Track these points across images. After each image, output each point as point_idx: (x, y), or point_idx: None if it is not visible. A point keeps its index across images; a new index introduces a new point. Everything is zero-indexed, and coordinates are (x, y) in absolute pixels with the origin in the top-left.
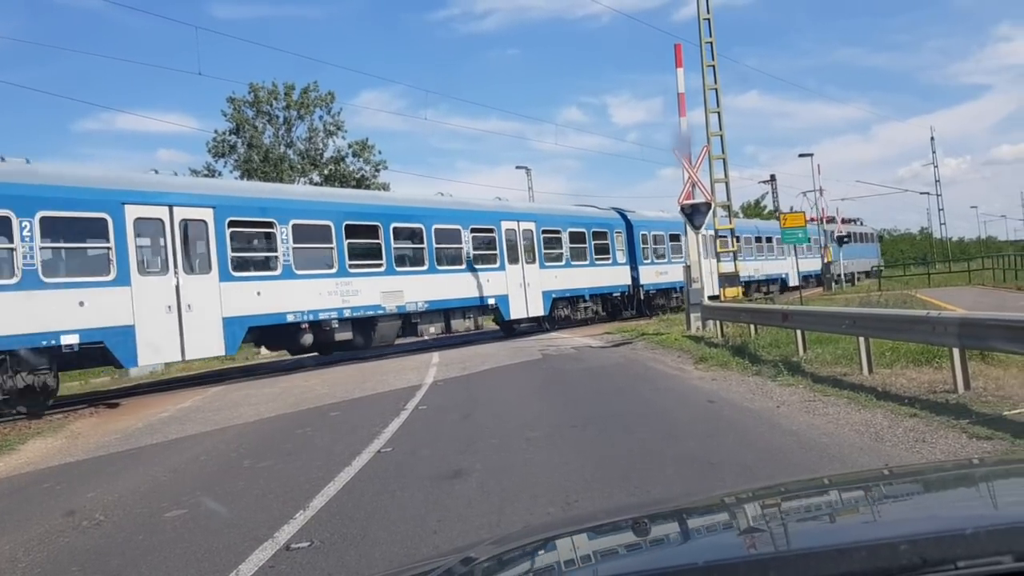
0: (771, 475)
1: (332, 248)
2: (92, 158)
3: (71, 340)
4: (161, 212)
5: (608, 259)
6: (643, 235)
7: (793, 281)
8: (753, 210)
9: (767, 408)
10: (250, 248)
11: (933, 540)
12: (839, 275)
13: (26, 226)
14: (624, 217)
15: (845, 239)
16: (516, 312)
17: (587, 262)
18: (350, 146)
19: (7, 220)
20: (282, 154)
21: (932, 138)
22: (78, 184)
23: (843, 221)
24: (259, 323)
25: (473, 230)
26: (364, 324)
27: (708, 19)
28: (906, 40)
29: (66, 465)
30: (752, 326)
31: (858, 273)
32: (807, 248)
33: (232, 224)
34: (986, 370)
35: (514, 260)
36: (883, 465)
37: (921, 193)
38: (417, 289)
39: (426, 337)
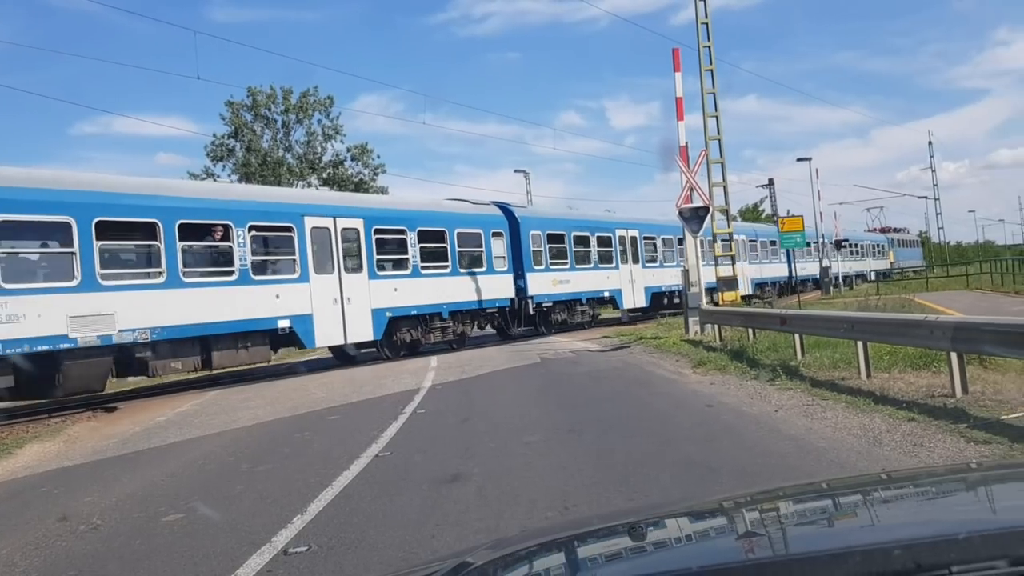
0: (769, 479)
1: (446, 247)
2: (90, 162)
3: (284, 324)
4: (328, 223)
5: (481, 266)
6: (534, 235)
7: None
8: (752, 214)
9: (765, 412)
10: (389, 251)
11: (928, 545)
12: (837, 278)
13: (240, 235)
14: (509, 213)
15: (844, 243)
16: (324, 338)
17: (447, 270)
18: (349, 150)
19: (229, 228)
20: (280, 158)
21: (930, 142)
22: (271, 200)
23: (894, 230)
24: (396, 314)
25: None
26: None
27: (706, 23)
28: (904, 44)
29: (63, 469)
30: (750, 330)
31: (856, 277)
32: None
33: (377, 232)
34: (984, 374)
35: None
36: (881, 469)
37: (919, 197)
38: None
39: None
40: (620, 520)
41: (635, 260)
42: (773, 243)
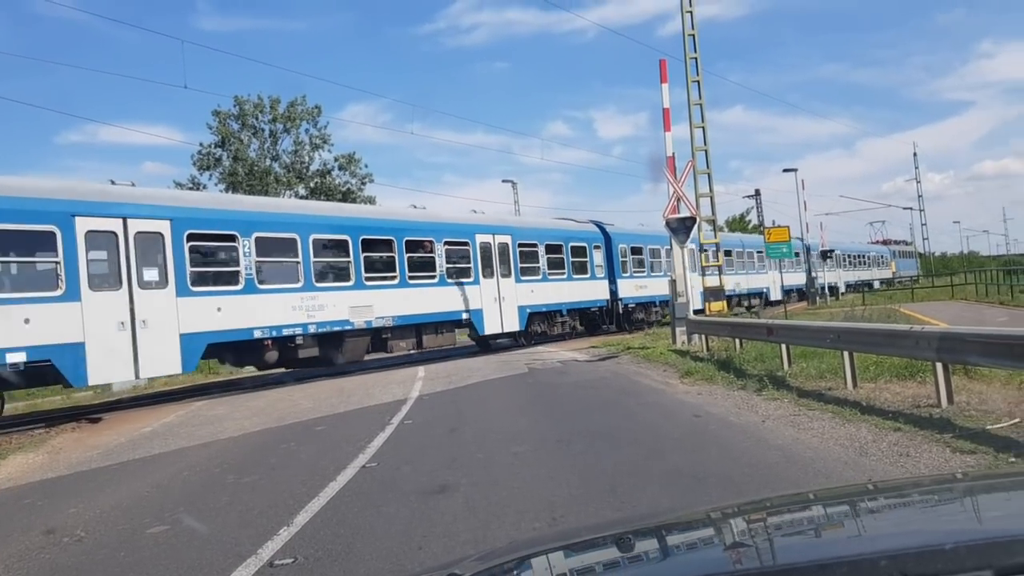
0: (756, 490)
1: (563, 258)
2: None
3: (465, 316)
4: (488, 238)
5: (586, 273)
6: (622, 248)
7: (775, 295)
8: (738, 224)
9: (752, 422)
10: (527, 260)
11: (914, 555)
12: (823, 288)
13: (439, 248)
14: (603, 230)
15: (828, 253)
16: (491, 327)
17: (564, 276)
18: (336, 159)
19: (433, 243)
20: (268, 167)
21: (915, 154)
22: (457, 221)
23: (895, 242)
24: (533, 311)
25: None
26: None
27: (693, 35)
28: (889, 56)
29: (47, 481)
30: (737, 340)
31: (862, 285)
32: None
33: (520, 245)
34: (969, 384)
35: (488, 274)
36: (867, 479)
37: (904, 208)
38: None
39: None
40: (608, 531)
41: (692, 269)
42: (760, 253)
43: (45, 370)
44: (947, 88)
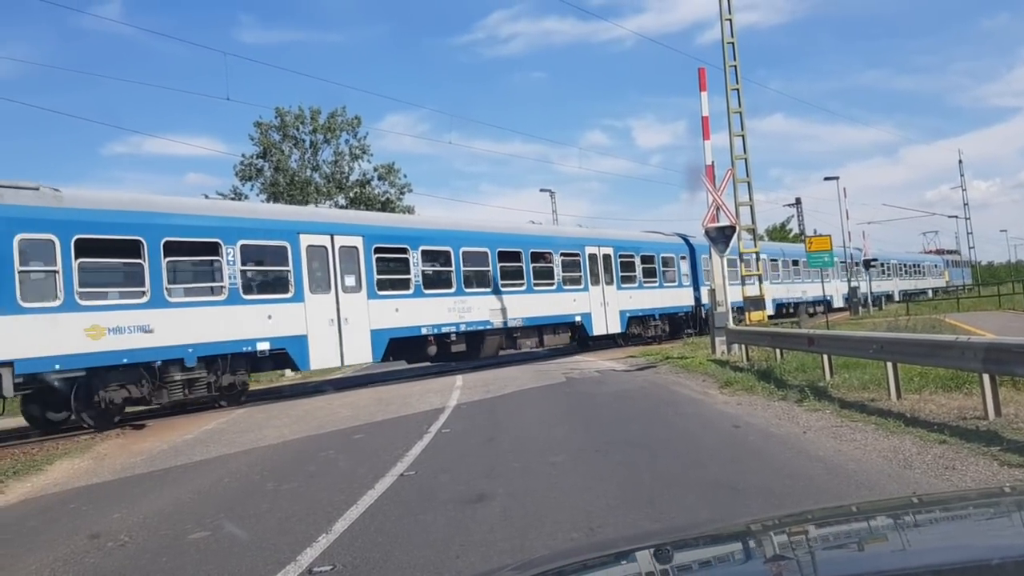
0: (797, 502)
1: (655, 267)
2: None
3: (577, 319)
4: (594, 249)
5: (674, 281)
6: (704, 258)
7: (838, 303)
8: (779, 233)
9: (793, 433)
10: (626, 268)
11: (960, 570)
12: (866, 298)
13: (556, 258)
14: (687, 242)
15: (873, 263)
16: (598, 329)
17: (656, 283)
18: (375, 169)
19: (448, 253)
20: (308, 177)
21: (960, 161)
22: (569, 235)
23: (948, 252)
24: (632, 315)
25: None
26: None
27: (732, 43)
28: (931, 62)
29: (92, 486)
30: (778, 350)
31: (918, 293)
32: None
33: (621, 256)
34: (1017, 397)
35: (595, 282)
36: (911, 493)
37: (950, 216)
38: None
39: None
40: (646, 542)
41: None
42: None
43: (281, 356)
44: (992, 94)
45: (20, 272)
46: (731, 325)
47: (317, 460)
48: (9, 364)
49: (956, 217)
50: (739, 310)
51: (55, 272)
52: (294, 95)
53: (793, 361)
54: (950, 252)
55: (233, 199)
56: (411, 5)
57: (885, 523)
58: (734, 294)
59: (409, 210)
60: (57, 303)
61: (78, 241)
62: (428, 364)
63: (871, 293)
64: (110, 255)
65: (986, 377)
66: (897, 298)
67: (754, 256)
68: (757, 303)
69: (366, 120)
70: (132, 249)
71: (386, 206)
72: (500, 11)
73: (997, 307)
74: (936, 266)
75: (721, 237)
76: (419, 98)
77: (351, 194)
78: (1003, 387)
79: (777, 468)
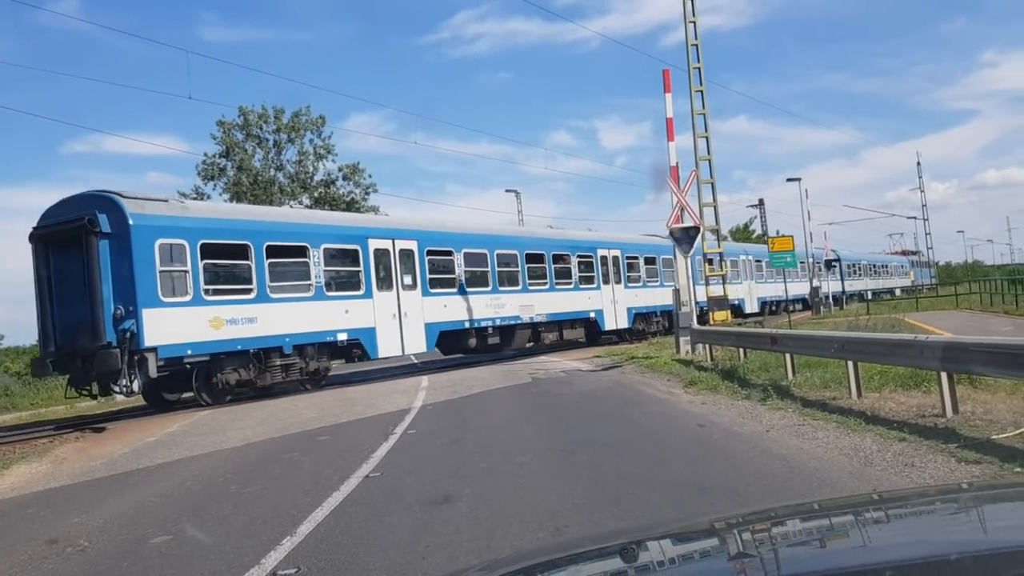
0: (760, 500)
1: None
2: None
3: (592, 315)
4: (617, 252)
5: (673, 281)
6: (699, 260)
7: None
8: (742, 234)
9: (757, 432)
10: (632, 269)
11: (920, 566)
12: (827, 298)
13: (459, 258)
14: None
15: (833, 263)
16: (609, 324)
17: (658, 283)
18: (340, 169)
19: (485, 255)
20: (272, 177)
21: (919, 163)
22: (506, 234)
23: (912, 253)
24: (638, 312)
25: (578, 256)
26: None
27: (696, 45)
28: (892, 65)
29: (50, 490)
30: (741, 350)
31: (885, 292)
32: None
33: (645, 260)
34: (974, 394)
35: (606, 281)
36: (872, 490)
37: (908, 218)
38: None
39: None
40: (612, 541)
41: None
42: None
43: (354, 346)
44: (951, 97)
45: (161, 272)
46: (695, 325)
47: (282, 462)
48: (154, 350)
49: (915, 218)
50: (734, 308)
51: (186, 271)
52: (258, 94)
53: (756, 360)
54: (913, 253)
55: (196, 199)
56: (377, 4)
57: (847, 520)
58: (733, 294)
59: (374, 210)
60: (188, 298)
61: (203, 245)
62: (462, 355)
63: (844, 292)
64: (226, 256)
65: (944, 375)
66: (869, 297)
67: (717, 256)
68: (720, 303)
69: (331, 120)
70: (242, 252)
71: (351, 206)
72: (466, 11)
73: (955, 306)
74: (902, 266)
75: (686, 238)
76: (384, 98)
77: (315, 194)
78: (960, 385)
79: (741, 467)
